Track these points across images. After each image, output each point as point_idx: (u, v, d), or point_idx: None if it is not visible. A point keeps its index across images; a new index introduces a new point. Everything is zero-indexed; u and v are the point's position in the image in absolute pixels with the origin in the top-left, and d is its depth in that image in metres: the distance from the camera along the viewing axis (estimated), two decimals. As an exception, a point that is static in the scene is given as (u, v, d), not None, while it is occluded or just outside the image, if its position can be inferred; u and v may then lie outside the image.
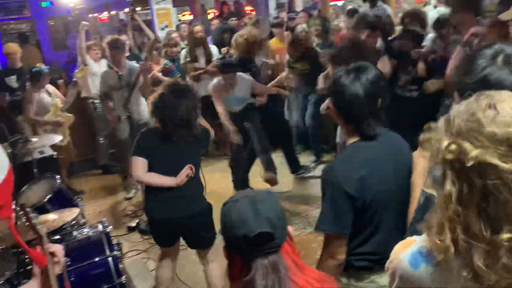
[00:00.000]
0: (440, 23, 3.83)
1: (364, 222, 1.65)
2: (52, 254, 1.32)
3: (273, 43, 5.82)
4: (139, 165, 2.63)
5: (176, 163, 2.64)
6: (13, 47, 5.41)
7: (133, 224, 4.20)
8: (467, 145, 0.79)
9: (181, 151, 2.65)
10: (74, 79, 5.63)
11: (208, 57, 5.40)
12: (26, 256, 2.56)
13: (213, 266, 2.89)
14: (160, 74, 5.08)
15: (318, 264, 1.70)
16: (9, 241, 2.39)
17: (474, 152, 0.77)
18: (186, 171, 2.61)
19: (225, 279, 1.20)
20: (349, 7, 6.41)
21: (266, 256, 1.10)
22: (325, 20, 5.31)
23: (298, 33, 4.60)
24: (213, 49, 5.52)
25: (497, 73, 1.21)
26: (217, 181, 5.05)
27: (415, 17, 3.83)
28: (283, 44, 5.59)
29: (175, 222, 2.68)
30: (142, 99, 4.53)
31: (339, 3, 9.31)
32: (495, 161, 0.75)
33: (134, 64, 4.63)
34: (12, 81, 5.31)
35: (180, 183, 2.59)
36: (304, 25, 5.07)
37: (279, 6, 8.65)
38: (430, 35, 3.99)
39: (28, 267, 2.56)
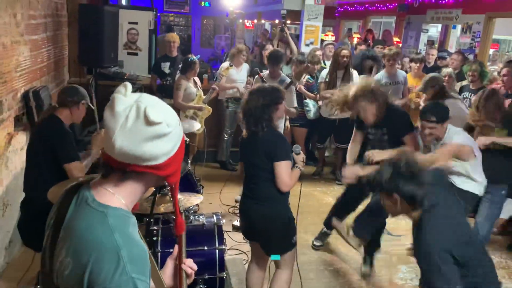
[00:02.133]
0: None
1: None
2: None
3: (408, 78, 5.55)
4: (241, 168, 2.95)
5: (248, 160, 2.85)
6: (174, 37, 5.95)
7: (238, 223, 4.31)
8: None
9: (249, 150, 2.81)
10: (215, 80, 6.00)
11: (346, 81, 5.35)
12: (154, 227, 2.79)
13: (280, 273, 2.89)
14: (303, 88, 5.23)
15: None
16: (145, 209, 2.61)
17: None
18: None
19: None
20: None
21: None
22: (483, 65, 4.91)
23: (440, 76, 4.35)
24: (354, 74, 5.46)
25: None
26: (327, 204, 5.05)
27: None
28: (418, 81, 5.32)
29: (248, 218, 2.85)
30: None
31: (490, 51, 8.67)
32: None
33: (286, 77, 4.81)
34: (165, 67, 5.85)
35: None
36: (450, 69, 4.79)
37: (430, 43, 8.27)
38: None
39: (154, 238, 2.78)
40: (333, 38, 10.84)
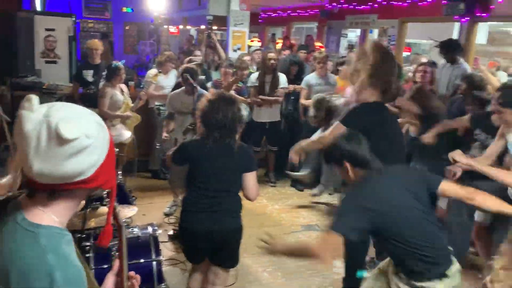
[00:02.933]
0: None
1: None
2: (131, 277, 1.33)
3: (337, 80, 5.87)
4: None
5: (215, 173, 2.64)
6: (96, 43, 5.71)
7: (174, 233, 4.22)
8: None
9: (220, 162, 2.64)
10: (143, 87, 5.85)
11: (275, 85, 5.50)
12: (86, 243, 2.63)
13: (217, 282, 2.85)
14: (233, 92, 5.25)
15: None
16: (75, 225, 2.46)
17: None
18: None
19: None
20: (423, 59, 6.35)
21: None
22: (399, 67, 5.28)
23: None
24: (282, 77, 5.61)
25: None
26: (262, 206, 5.13)
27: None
28: (345, 82, 5.62)
29: (211, 234, 2.65)
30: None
31: (405, 54, 9.37)
32: None
33: (204, 92, 4.77)
34: (88, 75, 5.58)
35: None
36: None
37: (350, 47, 8.71)
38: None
39: (86, 255, 2.63)
40: (259, 43, 11.07)
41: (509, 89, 3.01)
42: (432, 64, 5.46)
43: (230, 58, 6.28)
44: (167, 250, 3.99)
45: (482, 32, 8.61)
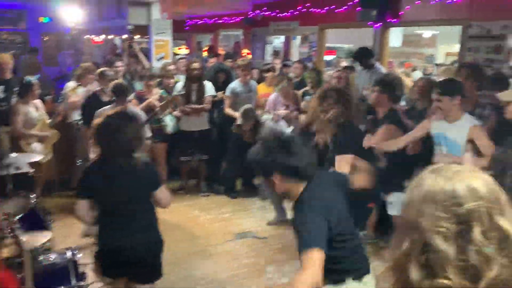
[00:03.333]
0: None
1: None
2: None
3: (261, 87, 5.98)
4: (83, 206, 2.55)
5: (123, 195, 2.53)
6: (5, 58, 5.33)
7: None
8: None
9: (126, 185, 2.52)
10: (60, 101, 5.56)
11: (201, 93, 5.46)
12: None
13: None
14: (157, 103, 5.11)
15: None
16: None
17: None
18: None
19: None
20: (343, 63, 6.63)
21: None
22: (320, 73, 5.47)
23: None
24: (208, 85, 5.58)
25: None
26: (193, 217, 5.05)
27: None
28: (271, 89, 5.74)
29: (128, 250, 2.56)
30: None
31: (329, 58, 9.76)
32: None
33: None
34: (-1, 91, 5.19)
35: None
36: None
37: (275, 54, 8.88)
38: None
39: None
40: (187, 51, 10.96)
41: (446, 80, 3.55)
42: (350, 68, 5.71)
43: (153, 67, 6.14)
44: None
45: (397, 35, 9.19)
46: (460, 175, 0.91)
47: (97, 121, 2.53)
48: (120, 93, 4.28)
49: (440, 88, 3.32)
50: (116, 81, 4.60)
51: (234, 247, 4.45)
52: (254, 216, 5.19)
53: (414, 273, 0.88)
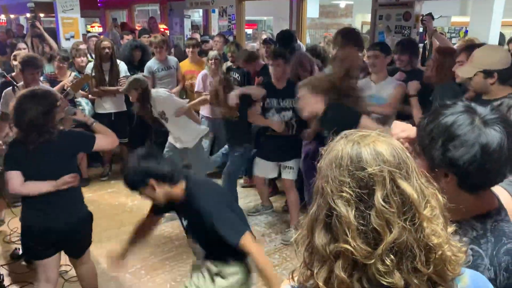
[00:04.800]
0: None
1: None
2: None
3: (185, 64, 5.74)
4: (14, 178, 2.52)
5: (44, 170, 2.57)
6: None
7: (19, 252, 3.73)
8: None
9: (46, 159, 2.57)
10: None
11: (115, 73, 5.15)
12: None
13: (88, 267, 2.94)
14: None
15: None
16: None
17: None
18: (68, 179, 2.58)
19: None
20: (264, 36, 6.59)
21: None
22: (239, 46, 5.38)
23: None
24: (122, 65, 5.28)
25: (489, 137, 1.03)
26: (121, 204, 4.83)
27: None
28: (196, 65, 5.56)
29: (55, 230, 2.60)
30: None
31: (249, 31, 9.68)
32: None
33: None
34: None
35: (59, 186, 2.54)
36: (215, 52, 5.14)
37: (194, 28, 8.62)
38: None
39: None
40: (101, 29, 10.30)
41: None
42: (270, 41, 5.65)
43: (63, 48, 5.70)
44: (13, 273, 3.51)
45: (313, 6, 9.32)
46: (367, 139, 0.89)
47: (13, 102, 2.56)
48: (28, 64, 3.98)
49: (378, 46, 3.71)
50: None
51: (164, 230, 4.34)
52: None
53: (318, 238, 0.88)
